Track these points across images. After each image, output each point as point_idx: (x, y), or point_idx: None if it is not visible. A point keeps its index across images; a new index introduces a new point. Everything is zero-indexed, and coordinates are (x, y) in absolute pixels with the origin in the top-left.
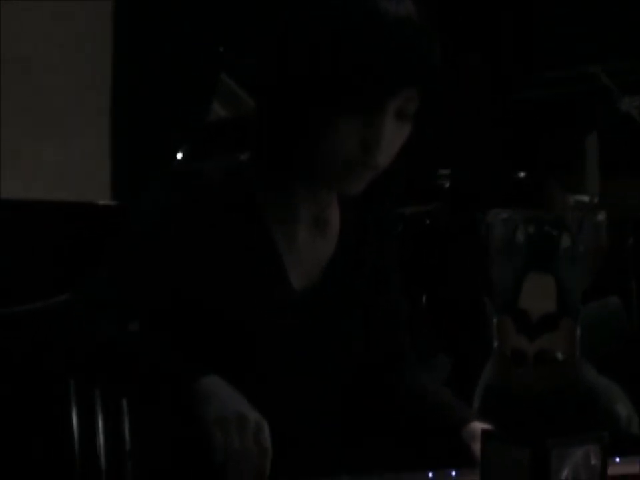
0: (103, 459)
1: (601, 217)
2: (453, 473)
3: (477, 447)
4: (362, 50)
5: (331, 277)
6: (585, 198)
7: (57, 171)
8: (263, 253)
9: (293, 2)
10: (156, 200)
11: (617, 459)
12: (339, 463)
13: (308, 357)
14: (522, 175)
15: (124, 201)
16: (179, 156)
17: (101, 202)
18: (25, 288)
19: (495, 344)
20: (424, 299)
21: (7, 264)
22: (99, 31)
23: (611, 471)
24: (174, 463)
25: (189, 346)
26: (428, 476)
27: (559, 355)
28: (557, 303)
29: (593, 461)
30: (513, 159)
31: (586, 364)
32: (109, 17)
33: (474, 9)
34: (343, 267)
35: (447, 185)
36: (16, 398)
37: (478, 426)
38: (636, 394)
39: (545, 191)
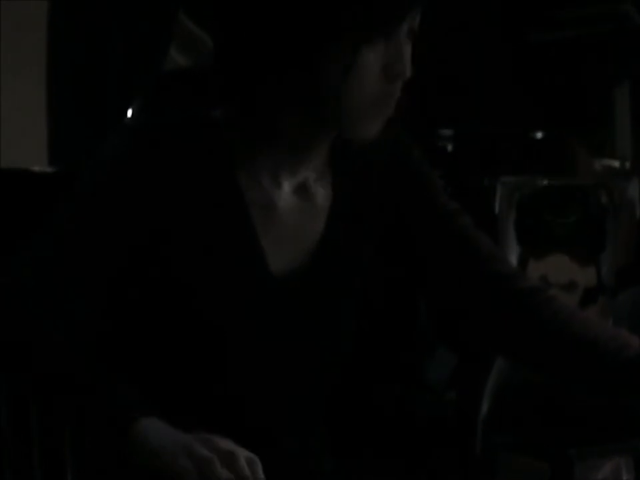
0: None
1: (635, 185)
2: None
3: None
4: None
5: (318, 262)
6: (615, 162)
7: None
8: (234, 229)
9: None
10: (114, 154)
11: None
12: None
13: (285, 360)
14: (539, 134)
15: (63, 167)
16: (130, 113)
17: (37, 168)
18: None
19: None
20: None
21: None
22: None
23: None
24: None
25: (136, 350)
26: None
27: None
28: (584, 284)
29: (625, 477)
30: (529, 115)
31: None
32: None
33: None
34: (335, 250)
35: (450, 147)
36: None
37: None
38: None
39: (567, 153)
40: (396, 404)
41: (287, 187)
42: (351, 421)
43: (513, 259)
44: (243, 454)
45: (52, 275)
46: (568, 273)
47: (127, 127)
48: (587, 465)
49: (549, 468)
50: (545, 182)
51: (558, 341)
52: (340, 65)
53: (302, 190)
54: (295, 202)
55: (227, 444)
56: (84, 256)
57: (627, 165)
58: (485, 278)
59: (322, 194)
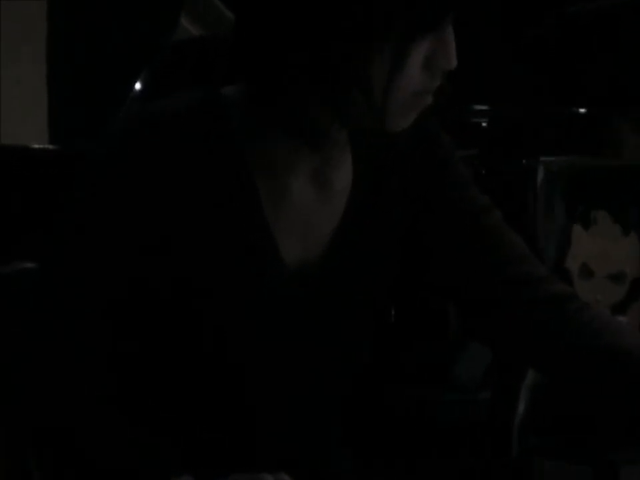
0: None
1: None
2: None
3: None
4: None
5: (334, 252)
6: None
7: None
8: (244, 219)
9: None
10: (113, 156)
11: None
12: None
13: (301, 359)
14: (580, 110)
15: (63, 146)
16: (138, 86)
17: (36, 145)
18: None
19: None
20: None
21: None
22: None
23: None
24: None
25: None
26: None
27: None
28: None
29: None
30: (567, 90)
31: None
32: None
33: None
34: (353, 240)
35: (485, 124)
36: None
37: None
38: None
39: (610, 132)
40: (419, 406)
41: (302, 172)
42: (372, 425)
43: (553, 247)
44: None
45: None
46: (615, 263)
47: (126, 123)
48: (633, 470)
49: (592, 474)
50: (591, 162)
51: (590, 351)
52: (387, 59)
53: (319, 176)
54: (310, 189)
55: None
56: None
57: None
58: (513, 280)
59: (341, 181)
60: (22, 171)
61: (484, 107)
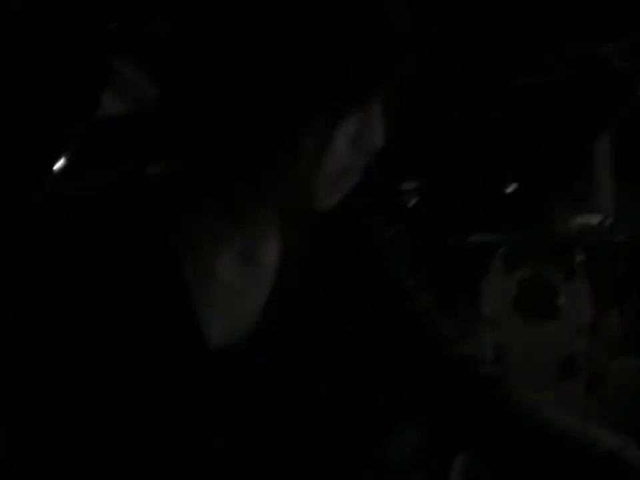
0: None
1: (617, 242)
2: None
3: None
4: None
5: (262, 329)
6: (595, 218)
7: None
8: (170, 300)
9: None
10: (38, 224)
11: None
12: None
13: (233, 439)
14: (512, 187)
15: None
16: (58, 166)
17: None
18: None
19: None
20: None
21: None
22: None
23: None
24: None
25: None
26: None
27: None
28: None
29: None
30: (500, 167)
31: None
32: None
33: None
34: (281, 317)
35: (413, 202)
36: None
37: None
38: None
39: (543, 208)
40: None
41: (229, 249)
42: None
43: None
44: None
45: None
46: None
47: (49, 200)
48: None
49: None
50: (521, 239)
51: (521, 434)
52: (312, 138)
53: (246, 252)
54: (237, 266)
55: None
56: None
57: (609, 220)
58: (442, 363)
59: (269, 257)
60: None
61: (414, 185)
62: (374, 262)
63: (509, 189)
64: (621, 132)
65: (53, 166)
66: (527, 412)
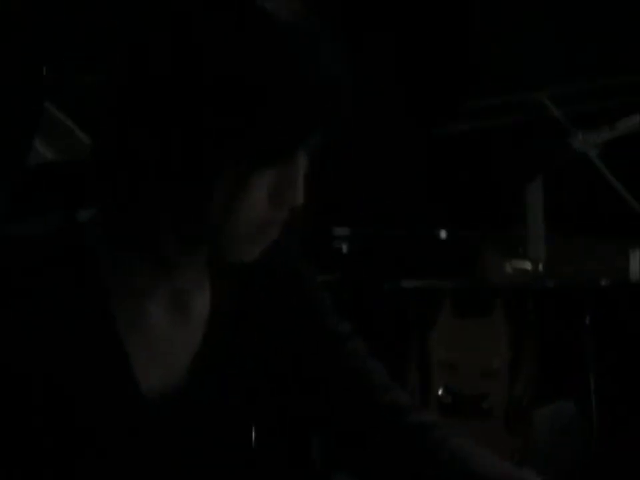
0: None
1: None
2: None
3: None
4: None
5: (194, 378)
6: (527, 264)
7: None
8: (101, 352)
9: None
10: None
11: None
12: None
13: None
14: (443, 233)
15: None
16: None
17: None
18: None
19: None
20: None
21: None
22: None
23: None
24: None
25: None
26: None
27: None
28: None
29: None
30: (432, 213)
31: None
32: None
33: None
34: (213, 365)
35: (345, 248)
36: None
37: None
38: None
39: (474, 255)
40: None
41: (159, 297)
42: None
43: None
44: None
45: None
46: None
47: None
48: None
49: None
50: (450, 286)
51: None
52: (226, 190)
53: (176, 301)
54: (168, 314)
55: None
56: None
57: (540, 266)
58: (376, 410)
59: (199, 306)
60: None
61: (345, 231)
62: (305, 309)
63: (442, 235)
64: (553, 179)
65: None
66: (459, 460)
